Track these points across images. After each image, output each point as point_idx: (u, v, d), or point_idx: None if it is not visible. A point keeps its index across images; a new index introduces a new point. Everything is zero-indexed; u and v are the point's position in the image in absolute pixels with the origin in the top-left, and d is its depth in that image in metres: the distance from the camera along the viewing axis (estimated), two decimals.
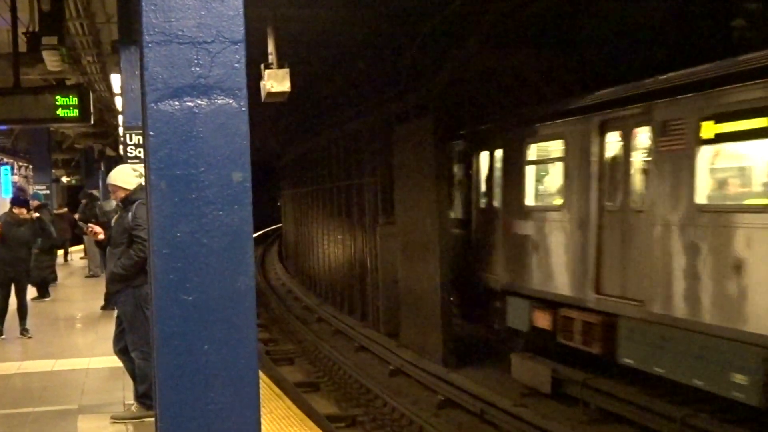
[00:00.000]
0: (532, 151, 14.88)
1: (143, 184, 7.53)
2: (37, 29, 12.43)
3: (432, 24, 15.63)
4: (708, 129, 10.32)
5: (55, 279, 20.69)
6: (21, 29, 12.97)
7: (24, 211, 14.52)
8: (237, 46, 3.37)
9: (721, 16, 11.98)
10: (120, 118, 16.39)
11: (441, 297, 16.51)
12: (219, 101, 3.36)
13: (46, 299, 18.34)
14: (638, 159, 12.00)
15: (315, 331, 22.37)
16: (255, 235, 3.55)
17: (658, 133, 11.26)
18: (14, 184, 31.61)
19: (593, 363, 13.12)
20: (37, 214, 15.12)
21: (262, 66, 10.43)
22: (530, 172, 14.99)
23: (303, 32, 15.89)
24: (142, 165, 7.78)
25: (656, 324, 11.21)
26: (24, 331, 14.05)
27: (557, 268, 13.67)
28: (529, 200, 14.92)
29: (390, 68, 18.83)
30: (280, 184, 42.11)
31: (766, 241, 9.30)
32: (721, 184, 10.82)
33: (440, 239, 16.59)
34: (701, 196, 10.48)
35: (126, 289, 8.48)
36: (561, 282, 13.52)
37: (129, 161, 10.10)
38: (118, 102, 16.01)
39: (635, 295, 11.69)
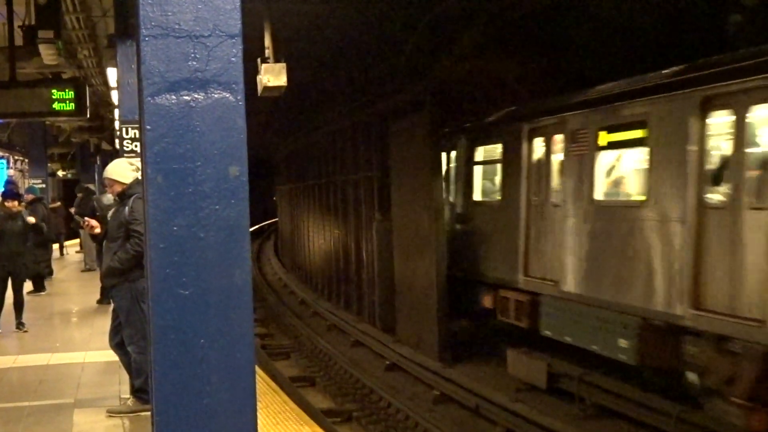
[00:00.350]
0: (479, 153, 16.81)
1: (140, 178, 7.53)
2: (33, 23, 12.40)
3: (429, 19, 15.63)
4: (603, 138, 12.45)
5: (50, 273, 20.68)
6: (17, 23, 12.95)
7: (16, 203, 14.49)
8: (234, 40, 3.37)
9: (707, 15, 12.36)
10: (116, 112, 16.34)
11: (437, 292, 16.53)
12: (216, 95, 3.35)
13: (42, 293, 18.33)
14: (556, 161, 13.87)
15: (311, 325, 22.37)
16: (251, 229, 3.55)
17: (569, 140, 13.24)
18: (9, 177, 31.58)
19: (524, 335, 14.91)
20: (21, 207, 15.01)
21: (259, 60, 10.40)
22: (477, 171, 16.87)
23: (300, 27, 15.87)
24: (139, 159, 7.78)
25: (566, 300, 13.14)
26: (20, 325, 14.04)
27: (499, 255, 15.50)
28: (477, 196, 16.91)
29: (386, 63, 18.82)
30: (276, 178, 42.09)
31: (642, 230, 11.31)
32: (613, 183, 12.84)
33: (436, 234, 16.61)
34: (599, 194, 12.51)
35: (122, 283, 8.49)
36: (501, 267, 15.35)
37: (125, 155, 10.09)
38: (115, 96, 15.97)
39: (552, 277, 13.56)
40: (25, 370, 11.21)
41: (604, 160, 12.57)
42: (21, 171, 34.20)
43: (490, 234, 15.96)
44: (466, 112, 17.96)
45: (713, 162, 10.35)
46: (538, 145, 14.43)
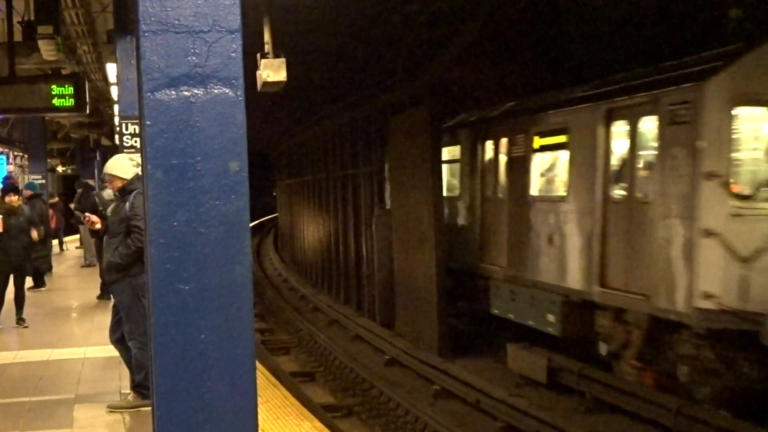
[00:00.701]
0: (444, 153, 18.12)
1: (140, 173, 7.53)
2: (32, 18, 12.40)
3: (428, 13, 15.62)
4: (536, 142, 14.47)
5: (50, 269, 20.67)
6: (16, 18, 12.94)
7: (15, 198, 14.43)
8: (233, 36, 3.37)
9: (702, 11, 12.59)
10: (116, 107, 16.35)
11: (437, 287, 16.54)
12: (216, 91, 3.35)
13: (42, 289, 18.33)
14: (502, 162, 15.95)
15: (311, 320, 22.38)
16: (251, 225, 3.55)
17: (512, 143, 15.41)
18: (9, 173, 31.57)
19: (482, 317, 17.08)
20: (20, 202, 14.98)
21: (258, 55, 10.39)
22: (445, 169, 18.18)
23: (300, 22, 15.86)
24: (139, 154, 7.78)
25: (510, 282, 15.26)
26: (20, 320, 14.04)
27: (464, 245, 17.30)
28: (445, 192, 18.15)
29: (386, 58, 18.80)
30: (276, 174, 42.07)
31: (564, 221, 13.41)
32: (545, 180, 14.67)
33: (436, 229, 16.62)
34: (533, 189, 14.63)
35: (123, 278, 8.49)
36: (464, 257, 17.28)
37: (124, 151, 10.08)
38: (114, 91, 15.96)
39: (500, 263, 15.64)
40: (25, 366, 11.22)
41: (537, 160, 14.64)
42: (21, 167, 34.17)
43: (454, 227, 17.71)
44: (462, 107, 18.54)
45: (615, 163, 12.40)
46: (489, 147, 16.52)
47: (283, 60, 10.35)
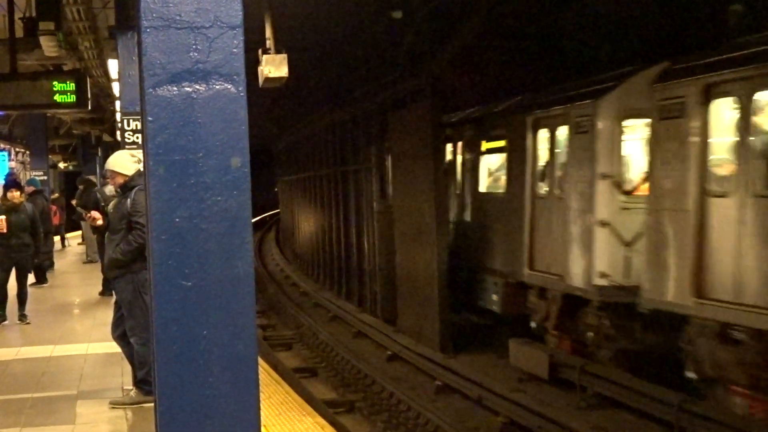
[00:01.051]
0: None
1: (142, 169, 7.53)
2: (34, 14, 12.39)
3: (429, 8, 15.61)
4: (484, 146, 17.03)
5: (52, 265, 20.67)
6: (18, 14, 12.93)
7: (18, 194, 14.38)
8: (235, 31, 3.37)
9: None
10: (117, 103, 16.32)
11: (438, 282, 16.55)
12: (217, 86, 3.35)
13: (44, 285, 18.33)
14: (459, 162, 18.41)
15: (313, 316, 22.39)
16: (253, 220, 3.55)
17: (467, 146, 17.95)
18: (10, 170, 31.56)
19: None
20: (22, 198, 14.92)
21: (260, 51, 10.39)
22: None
23: (301, 18, 15.85)
24: (140, 150, 7.78)
25: (470, 271, 17.36)
26: (22, 316, 14.04)
27: None
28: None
29: (387, 53, 18.81)
30: (278, 169, 42.06)
31: (504, 214, 15.73)
32: (490, 179, 17.07)
33: (437, 225, 16.62)
34: (482, 187, 17.16)
35: (125, 274, 8.49)
36: None
37: (126, 147, 10.07)
38: (116, 87, 15.95)
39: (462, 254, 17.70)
40: (27, 362, 11.22)
41: (485, 161, 17.06)
42: (22, 163, 34.18)
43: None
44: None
45: (540, 165, 14.64)
46: (449, 149, 18.84)
47: (284, 56, 10.35)
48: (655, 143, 11.60)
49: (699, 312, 10.51)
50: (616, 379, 12.32)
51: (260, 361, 8.39)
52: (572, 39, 15.68)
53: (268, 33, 10.69)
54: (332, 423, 9.50)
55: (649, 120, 11.90)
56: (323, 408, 12.73)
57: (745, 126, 10.02)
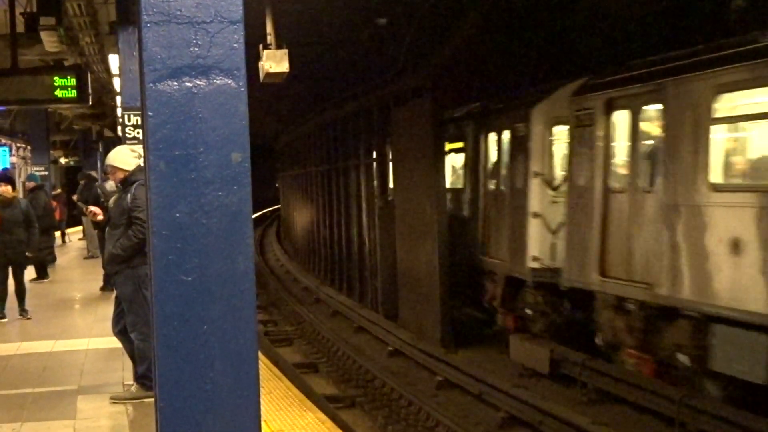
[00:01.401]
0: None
1: (142, 165, 7.52)
2: (34, 10, 12.38)
3: (430, 4, 15.59)
4: (448, 146, 18.27)
5: (53, 260, 20.68)
6: (19, 10, 12.93)
7: (10, 189, 14.18)
8: (236, 26, 3.36)
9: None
10: (118, 98, 16.33)
11: (439, 278, 16.56)
12: (218, 81, 3.35)
13: (45, 280, 18.34)
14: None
15: (313, 312, 22.40)
16: (254, 216, 3.55)
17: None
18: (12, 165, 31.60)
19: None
20: (15, 193, 14.79)
21: (261, 46, 10.38)
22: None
23: (302, 13, 15.83)
24: (141, 146, 7.77)
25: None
26: (23, 312, 14.02)
27: None
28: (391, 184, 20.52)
29: (388, 49, 18.77)
30: (279, 165, 42.05)
31: (463, 208, 17.50)
32: (454, 177, 18.56)
33: (438, 220, 16.64)
34: (447, 182, 18.06)
35: (125, 270, 8.49)
36: None
37: (127, 142, 10.07)
38: (117, 83, 15.96)
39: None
40: (28, 357, 11.23)
41: (448, 160, 18.37)
42: (23, 158, 34.20)
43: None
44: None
45: (490, 164, 16.51)
46: None
47: (285, 51, 10.34)
48: (572, 146, 13.36)
49: (603, 288, 12.40)
50: (617, 375, 12.32)
51: (261, 356, 8.40)
52: (577, 33, 15.69)
53: (269, 28, 10.68)
54: (333, 418, 9.48)
55: (569, 126, 13.61)
56: (324, 403, 12.74)
57: (635, 134, 11.99)
